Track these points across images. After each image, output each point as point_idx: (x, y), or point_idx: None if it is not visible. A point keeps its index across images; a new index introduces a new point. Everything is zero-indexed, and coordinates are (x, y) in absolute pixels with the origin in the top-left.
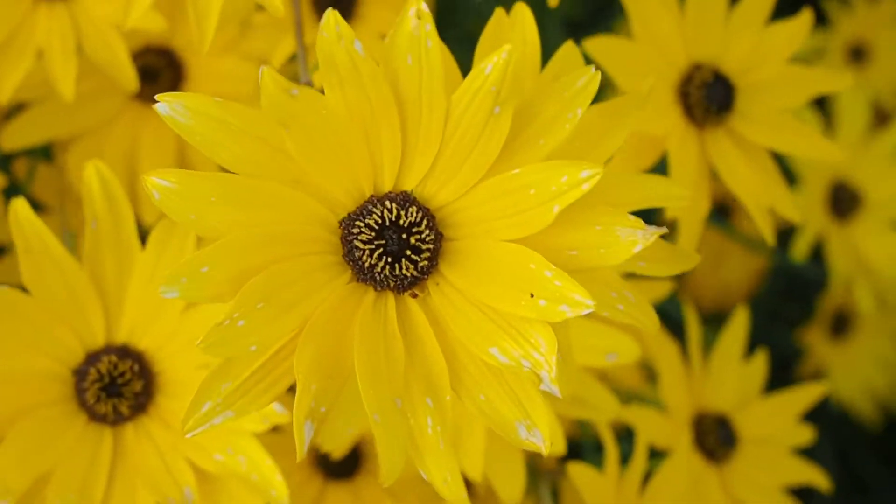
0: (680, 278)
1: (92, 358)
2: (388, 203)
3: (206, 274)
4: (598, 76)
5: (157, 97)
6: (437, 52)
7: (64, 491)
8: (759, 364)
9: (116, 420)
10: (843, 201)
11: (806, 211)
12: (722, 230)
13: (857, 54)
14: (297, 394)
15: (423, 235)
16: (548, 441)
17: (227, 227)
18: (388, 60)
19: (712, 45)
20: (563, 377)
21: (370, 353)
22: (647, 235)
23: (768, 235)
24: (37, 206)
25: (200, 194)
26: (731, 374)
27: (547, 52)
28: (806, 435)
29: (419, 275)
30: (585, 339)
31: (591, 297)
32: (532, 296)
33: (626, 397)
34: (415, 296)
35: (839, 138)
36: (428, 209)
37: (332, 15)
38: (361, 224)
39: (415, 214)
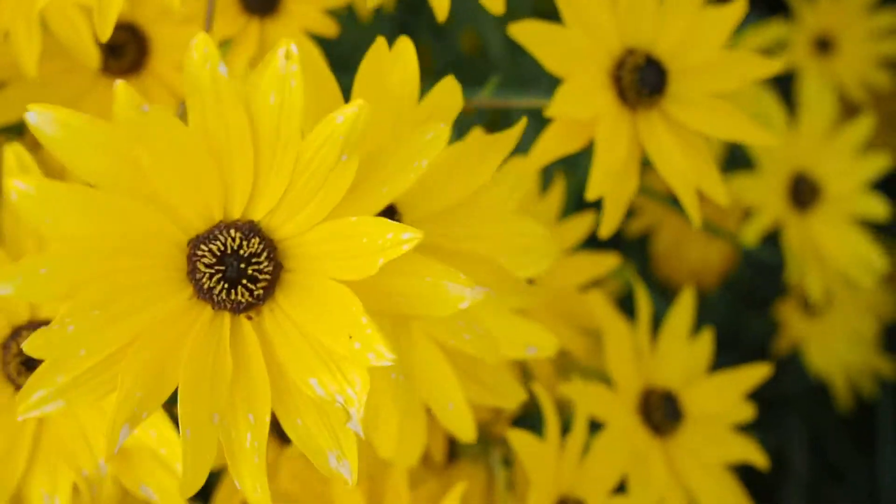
0: (643, 259)
1: (16, 332)
2: (233, 232)
3: (44, 275)
4: (447, 133)
5: (28, 107)
6: (299, 93)
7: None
8: (705, 342)
9: None
10: (803, 192)
11: (763, 197)
12: (683, 216)
13: (823, 46)
14: (118, 399)
15: (262, 266)
16: (355, 473)
17: (78, 235)
18: (252, 94)
19: (645, 30)
20: (403, 396)
21: (198, 368)
22: (475, 294)
23: (694, 217)
24: None
25: (56, 202)
26: (679, 350)
27: (515, 50)
28: (747, 413)
29: (254, 301)
30: (506, 333)
31: (393, 352)
32: (350, 337)
33: (584, 374)
34: (249, 318)
35: (802, 130)
36: (271, 240)
37: (202, 38)
38: (205, 249)
39: (256, 246)
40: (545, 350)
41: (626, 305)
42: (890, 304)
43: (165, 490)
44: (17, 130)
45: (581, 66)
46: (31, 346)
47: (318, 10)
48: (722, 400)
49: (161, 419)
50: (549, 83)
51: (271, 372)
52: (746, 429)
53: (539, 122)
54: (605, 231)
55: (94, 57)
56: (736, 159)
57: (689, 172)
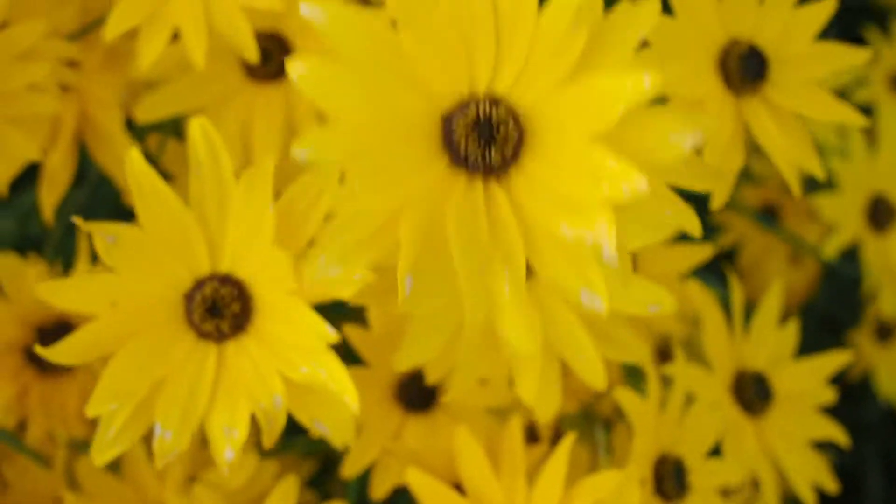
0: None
1: (199, 284)
2: (482, 103)
3: (331, 140)
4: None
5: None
6: None
7: (173, 397)
8: (791, 331)
9: (220, 337)
10: (881, 213)
11: (842, 215)
12: (769, 230)
13: None
14: (402, 251)
15: (509, 130)
16: (606, 304)
17: (348, 109)
18: None
19: (748, 24)
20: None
21: (461, 227)
22: (696, 137)
23: (794, 187)
24: (166, 176)
25: (327, 79)
26: (769, 336)
27: None
28: (829, 395)
29: (504, 162)
30: (631, 291)
31: (645, 178)
32: (597, 181)
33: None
34: (500, 180)
35: (881, 156)
36: (514, 109)
37: None
38: (461, 118)
39: (503, 113)
40: (665, 308)
41: None
42: None
43: (337, 424)
44: (173, 128)
45: (691, 52)
46: (330, 201)
47: None
48: (807, 382)
49: (332, 359)
50: None
51: (522, 227)
52: (822, 448)
53: None
54: (717, 202)
55: (253, 52)
56: (816, 185)
57: (790, 151)
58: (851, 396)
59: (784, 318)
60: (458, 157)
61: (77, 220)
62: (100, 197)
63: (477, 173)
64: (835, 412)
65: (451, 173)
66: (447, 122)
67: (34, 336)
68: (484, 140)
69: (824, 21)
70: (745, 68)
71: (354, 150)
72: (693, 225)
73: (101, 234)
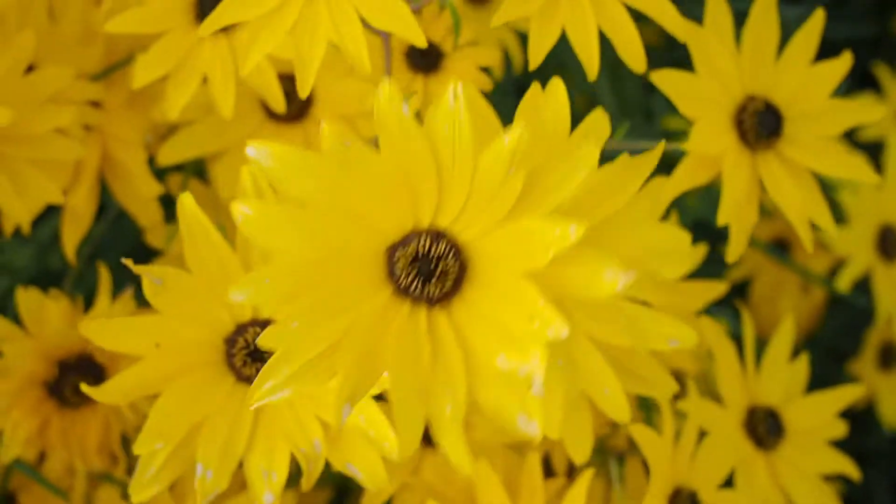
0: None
1: (241, 329)
2: (423, 237)
3: (268, 285)
4: (596, 152)
5: (247, 142)
6: (467, 124)
7: (213, 438)
8: (803, 366)
9: None
10: (890, 243)
11: (854, 247)
12: (780, 263)
13: None
14: (339, 382)
15: (449, 264)
16: (541, 429)
17: (294, 248)
18: (430, 126)
19: (764, 80)
20: (566, 378)
21: (402, 353)
22: (629, 277)
23: (807, 242)
24: None
25: (273, 221)
26: (780, 372)
27: (625, 104)
28: (841, 429)
29: (444, 294)
30: (651, 326)
31: (567, 325)
32: (530, 318)
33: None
34: (442, 309)
35: (889, 188)
36: (455, 244)
37: (387, 85)
38: (402, 252)
39: (443, 247)
40: (686, 343)
41: None
42: None
43: (371, 468)
44: (194, 168)
45: (709, 109)
46: (264, 340)
47: (475, 67)
48: (818, 417)
49: (370, 404)
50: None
51: (463, 353)
52: (831, 479)
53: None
54: (732, 256)
55: (280, 100)
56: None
57: (802, 206)
58: (856, 424)
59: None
60: (400, 289)
61: (127, 262)
62: (120, 230)
63: (420, 303)
64: (840, 439)
65: (394, 302)
66: (390, 255)
67: (55, 369)
68: (424, 274)
69: (840, 79)
70: (761, 124)
71: (294, 292)
72: (687, 338)
73: (150, 276)
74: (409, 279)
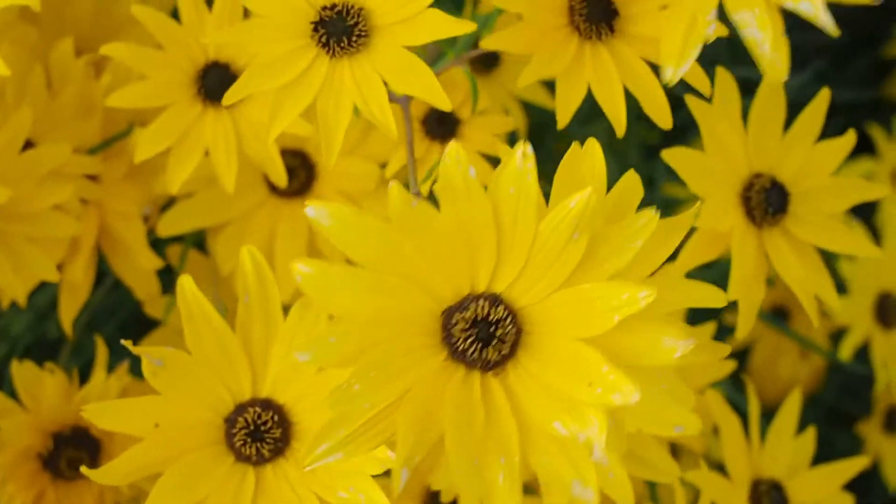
0: (741, 373)
1: (240, 409)
2: (481, 301)
3: (332, 344)
4: (657, 219)
5: (307, 202)
6: (534, 186)
7: None
8: (808, 439)
9: (258, 461)
10: (889, 310)
11: (853, 316)
12: (780, 330)
13: None
14: (398, 445)
15: (507, 329)
16: (597, 496)
17: (351, 309)
18: (495, 187)
19: (770, 158)
20: (615, 443)
21: (457, 418)
22: (687, 344)
23: (813, 317)
24: None
25: (333, 281)
26: (785, 446)
27: (624, 169)
28: (847, 502)
29: (502, 360)
30: (658, 412)
31: (638, 389)
32: (590, 384)
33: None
34: (496, 375)
35: (886, 252)
36: (513, 308)
37: (454, 146)
38: (459, 316)
39: (501, 312)
40: (690, 429)
41: None
42: None
43: None
44: (195, 240)
45: (718, 186)
46: (331, 400)
47: (491, 134)
48: (822, 490)
49: (370, 485)
50: None
51: (517, 419)
52: None
53: None
54: (741, 332)
55: (282, 175)
56: None
57: (807, 281)
58: (861, 484)
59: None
60: (456, 353)
61: (126, 344)
62: (118, 298)
63: (475, 368)
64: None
65: (449, 366)
66: (447, 319)
67: (50, 442)
68: (481, 339)
69: (844, 156)
70: (768, 202)
71: (356, 351)
72: (692, 426)
73: (149, 357)
74: (468, 343)
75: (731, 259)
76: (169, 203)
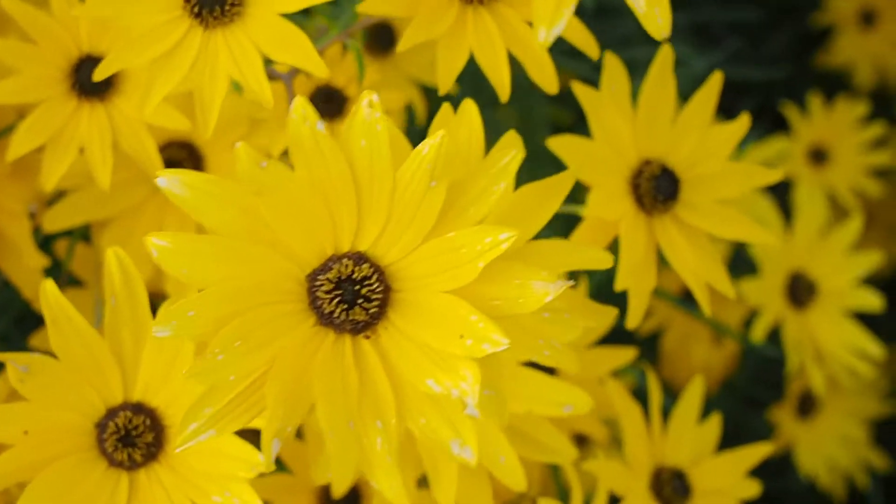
0: (652, 358)
1: (111, 413)
2: (345, 261)
3: (192, 318)
4: (520, 157)
5: (157, 172)
6: (384, 136)
7: None
8: (713, 426)
9: (131, 466)
10: (800, 290)
11: (765, 297)
12: (691, 315)
13: (818, 157)
14: (267, 416)
15: (374, 287)
16: (476, 454)
17: (212, 280)
18: (346, 141)
19: (661, 143)
20: (493, 409)
21: (329, 384)
22: (557, 287)
23: (705, 307)
24: (75, 282)
25: (190, 252)
26: (688, 433)
27: (535, 153)
28: (753, 489)
29: (370, 320)
30: (546, 393)
31: (506, 336)
32: (461, 336)
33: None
34: (367, 337)
35: (797, 232)
36: (378, 266)
37: (300, 101)
38: (323, 278)
39: (367, 270)
40: (580, 408)
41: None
42: (875, 405)
43: None
44: (82, 233)
45: (606, 174)
46: (192, 371)
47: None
48: (727, 477)
49: (245, 489)
50: None
51: (392, 381)
52: None
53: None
54: (632, 322)
55: (159, 169)
56: (741, 261)
57: (699, 269)
58: (775, 468)
59: (707, 394)
60: (323, 317)
61: None
62: (9, 296)
63: (344, 331)
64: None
65: (318, 332)
66: (312, 282)
67: None
68: (346, 300)
69: (737, 140)
70: (657, 189)
71: (218, 323)
72: (581, 404)
73: (15, 363)
74: (333, 305)
75: (620, 248)
76: (57, 198)
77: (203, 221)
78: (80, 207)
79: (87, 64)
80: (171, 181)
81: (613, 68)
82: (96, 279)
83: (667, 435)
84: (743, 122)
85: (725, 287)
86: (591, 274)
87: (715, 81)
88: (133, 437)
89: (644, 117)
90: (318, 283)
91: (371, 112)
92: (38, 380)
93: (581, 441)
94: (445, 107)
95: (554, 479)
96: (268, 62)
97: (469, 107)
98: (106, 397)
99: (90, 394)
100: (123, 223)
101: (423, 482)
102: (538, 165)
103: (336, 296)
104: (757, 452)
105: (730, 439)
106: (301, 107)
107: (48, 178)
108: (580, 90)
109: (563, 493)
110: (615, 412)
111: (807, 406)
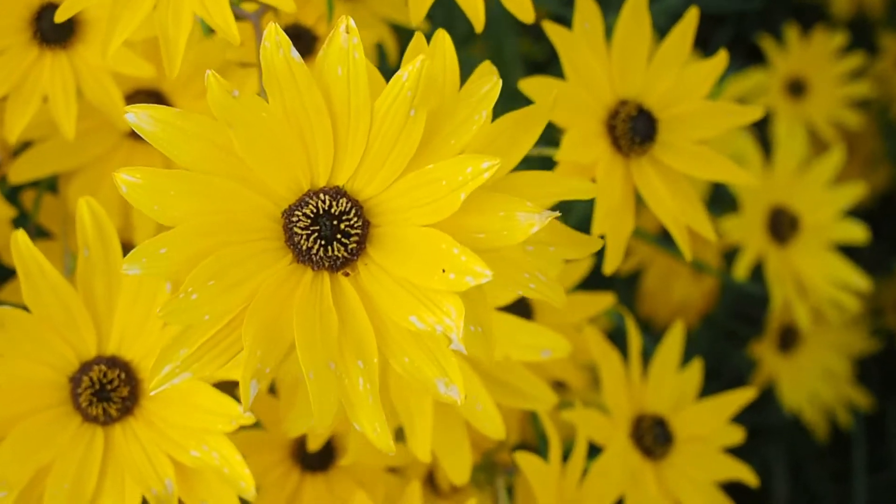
0: (631, 296)
1: (85, 367)
2: (322, 195)
3: (163, 255)
4: (499, 84)
5: (126, 108)
6: (362, 62)
7: (60, 482)
8: (695, 371)
9: (106, 421)
10: (782, 225)
11: (746, 234)
12: (671, 253)
13: (796, 89)
14: (244, 356)
15: (352, 222)
16: (462, 393)
17: (184, 217)
18: (321, 70)
19: (636, 83)
20: (480, 345)
21: (308, 323)
22: (543, 218)
23: (685, 251)
24: (43, 233)
25: (161, 188)
26: (669, 380)
27: (509, 92)
28: (736, 435)
29: (349, 256)
30: (523, 338)
31: (489, 268)
32: (443, 271)
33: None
34: (346, 274)
35: (778, 167)
36: (357, 200)
37: (272, 28)
38: (300, 213)
39: (344, 205)
40: (558, 353)
41: (613, 340)
42: (859, 341)
43: None
44: (49, 184)
45: (580, 116)
46: (165, 311)
47: None
48: (709, 423)
49: (223, 442)
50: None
51: (373, 319)
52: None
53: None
54: (610, 266)
55: (125, 120)
56: (721, 197)
57: (678, 211)
58: (757, 403)
59: (687, 329)
60: (300, 254)
61: None
62: None
63: (322, 268)
64: (740, 416)
65: (296, 270)
66: (288, 219)
67: None
68: (324, 235)
69: (715, 78)
70: (634, 130)
71: (190, 260)
72: (559, 348)
73: None
74: (311, 241)
75: (597, 191)
76: (23, 149)
77: (174, 157)
78: (46, 158)
79: (48, 12)
80: (141, 116)
81: (586, 5)
82: (64, 231)
83: (647, 381)
84: (721, 58)
85: (706, 229)
86: (566, 219)
87: (691, 17)
88: (108, 391)
89: (619, 56)
90: (295, 218)
91: (348, 38)
92: (9, 333)
93: (558, 388)
94: (418, 36)
95: (533, 427)
96: (234, 1)
97: (443, 37)
98: (80, 351)
99: (63, 347)
100: (91, 173)
101: (398, 436)
102: (513, 104)
103: (313, 231)
104: (739, 397)
105: (710, 375)
106: (274, 34)
107: (12, 129)
108: (552, 29)
109: (543, 442)
110: (593, 359)
111: (788, 340)
